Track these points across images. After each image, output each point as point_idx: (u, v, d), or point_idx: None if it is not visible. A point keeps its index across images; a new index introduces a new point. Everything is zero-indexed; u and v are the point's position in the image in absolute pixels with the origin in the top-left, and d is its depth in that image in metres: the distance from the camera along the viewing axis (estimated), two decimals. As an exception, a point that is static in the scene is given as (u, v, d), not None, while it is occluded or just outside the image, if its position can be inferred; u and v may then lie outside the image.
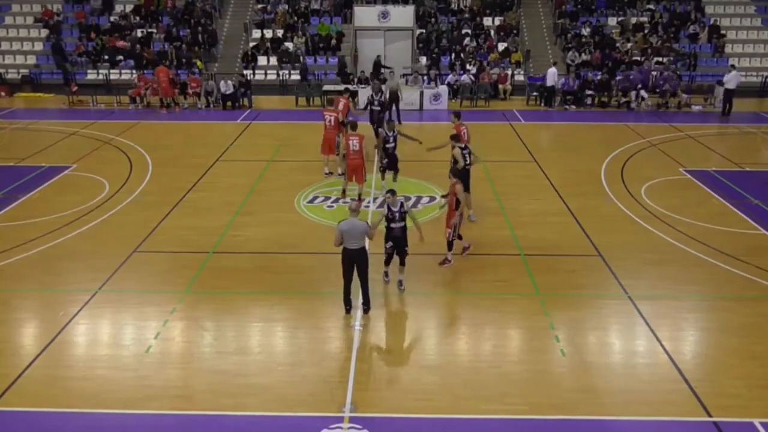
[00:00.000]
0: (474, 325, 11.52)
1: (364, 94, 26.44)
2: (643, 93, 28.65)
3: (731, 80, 27.77)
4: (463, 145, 15.50)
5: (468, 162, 15.46)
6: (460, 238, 13.82)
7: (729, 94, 27.75)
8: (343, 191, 17.36)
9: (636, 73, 29.67)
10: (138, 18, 36.21)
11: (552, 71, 29.22)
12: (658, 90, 28.97)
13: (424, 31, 35.21)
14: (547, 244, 14.61)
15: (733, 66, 29.55)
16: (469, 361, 10.55)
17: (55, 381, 9.91)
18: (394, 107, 25.78)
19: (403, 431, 8.94)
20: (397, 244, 12.22)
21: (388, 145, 17.49)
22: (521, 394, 9.62)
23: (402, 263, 12.37)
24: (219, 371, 10.12)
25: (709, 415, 9.17)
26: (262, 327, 11.50)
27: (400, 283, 12.49)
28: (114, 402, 9.40)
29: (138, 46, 33.99)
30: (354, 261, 11.40)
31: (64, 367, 10.26)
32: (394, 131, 17.59)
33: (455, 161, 15.36)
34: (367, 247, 11.49)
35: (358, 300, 11.82)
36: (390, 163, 17.67)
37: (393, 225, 12.09)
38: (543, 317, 11.67)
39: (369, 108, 22.67)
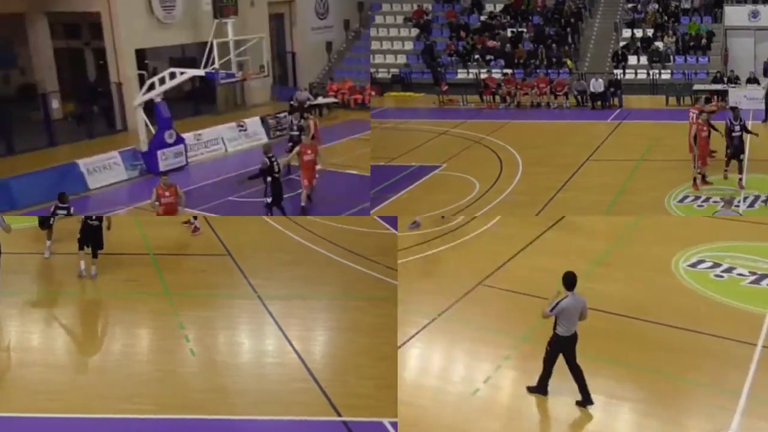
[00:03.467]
0: (106, 325, 12.53)
1: (734, 93, 27.57)
2: None
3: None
4: None
5: None
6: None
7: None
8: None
9: None
10: (508, 17, 36.78)
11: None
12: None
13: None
14: (175, 244, 15.36)
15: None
16: (99, 360, 11.29)
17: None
18: None
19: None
20: None
21: (734, 134, 18.44)
22: (150, 393, 9.97)
23: None
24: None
25: (339, 415, 9.53)
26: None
27: None
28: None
29: (508, 45, 34.55)
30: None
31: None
32: (740, 119, 18.48)
33: None
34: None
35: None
36: (735, 151, 18.54)
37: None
38: (172, 317, 12.15)
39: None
